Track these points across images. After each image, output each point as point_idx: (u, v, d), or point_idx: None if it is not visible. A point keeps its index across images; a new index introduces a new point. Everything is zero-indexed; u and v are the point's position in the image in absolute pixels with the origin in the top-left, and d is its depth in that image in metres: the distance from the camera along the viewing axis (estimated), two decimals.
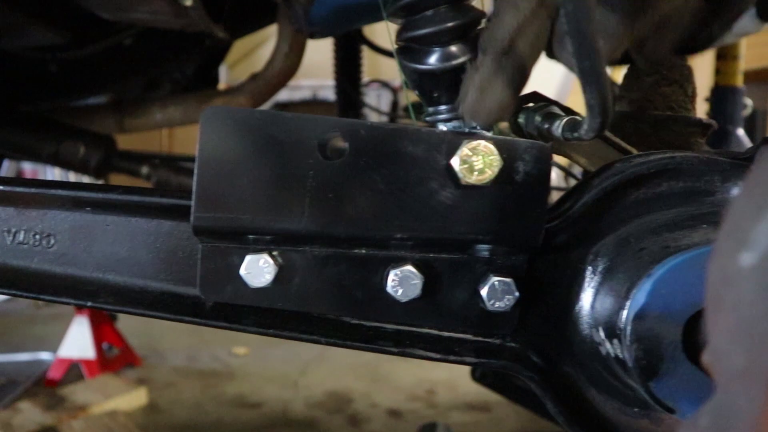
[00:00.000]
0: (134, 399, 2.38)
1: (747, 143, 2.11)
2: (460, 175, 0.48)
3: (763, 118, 4.19)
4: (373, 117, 2.73)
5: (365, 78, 2.22)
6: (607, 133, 0.67)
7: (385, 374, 2.60)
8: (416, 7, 0.49)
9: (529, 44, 0.47)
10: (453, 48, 0.49)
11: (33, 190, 0.57)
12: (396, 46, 0.52)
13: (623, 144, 0.67)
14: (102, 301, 0.57)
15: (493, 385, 1.84)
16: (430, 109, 0.53)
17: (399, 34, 0.51)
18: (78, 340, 2.66)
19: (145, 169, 1.65)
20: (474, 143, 0.48)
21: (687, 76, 0.78)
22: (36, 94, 1.74)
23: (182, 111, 1.66)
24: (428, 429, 1.92)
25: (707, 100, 2.14)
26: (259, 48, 4.32)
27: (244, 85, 1.59)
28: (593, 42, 0.37)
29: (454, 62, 0.49)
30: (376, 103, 3.10)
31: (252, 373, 2.67)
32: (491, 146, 0.48)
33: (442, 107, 0.52)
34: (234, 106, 1.62)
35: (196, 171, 0.50)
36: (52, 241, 0.58)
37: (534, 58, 0.49)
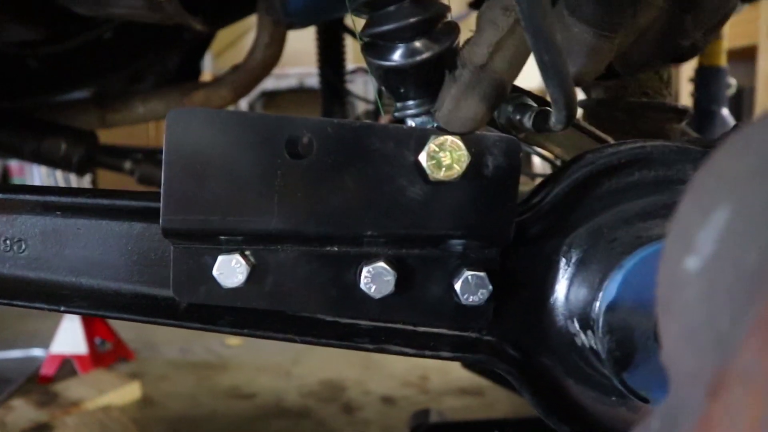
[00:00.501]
0: (128, 393, 2.38)
1: (731, 123, 2.12)
2: (428, 171, 0.48)
3: (749, 96, 4.20)
4: (360, 105, 2.72)
5: (351, 65, 2.21)
6: (581, 121, 0.67)
7: (377, 361, 2.61)
8: (379, 4, 0.48)
9: (507, 61, 0.48)
10: (417, 43, 0.49)
11: (1, 195, 0.57)
12: (361, 42, 0.52)
13: (597, 132, 0.67)
14: (76, 306, 0.57)
15: (484, 371, 1.85)
16: (398, 105, 0.53)
17: (363, 30, 0.51)
18: (70, 336, 2.65)
19: (128, 164, 1.65)
20: (441, 139, 0.48)
21: None
22: (16, 91, 1.72)
23: (165, 104, 1.64)
24: (421, 415, 1.93)
25: (691, 80, 2.14)
26: (243, 37, 4.29)
27: (226, 77, 1.58)
28: (551, 37, 0.37)
29: (419, 58, 0.48)
30: (364, 90, 3.08)
31: (245, 363, 2.68)
32: (458, 142, 0.48)
33: (410, 102, 0.52)
34: (216, 98, 1.61)
35: (163, 174, 0.50)
36: (24, 246, 0.58)
37: (513, 74, 0.50)
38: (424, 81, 0.50)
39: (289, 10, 1.08)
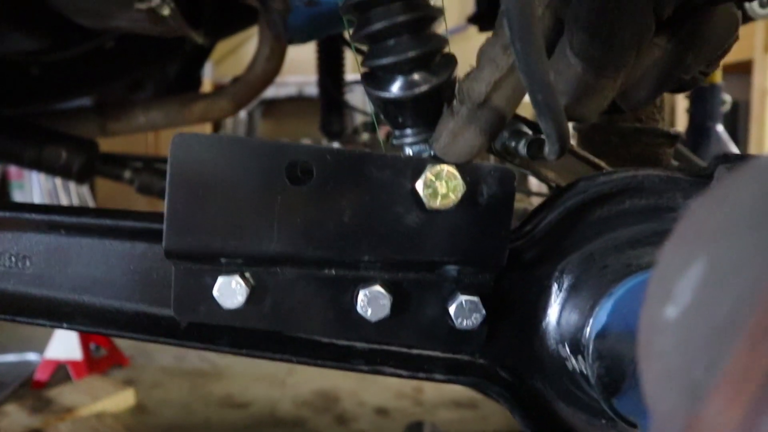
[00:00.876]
0: (122, 400, 2.38)
1: (726, 139, 2.14)
2: (424, 199, 0.49)
3: (745, 110, 4.23)
4: (358, 116, 2.74)
5: (350, 76, 2.22)
6: (575, 147, 0.68)
7: None
8: (378, 36, 0.50)
9: (505, 98, 0.50)
10: (416, 76, 0.50)
11: (7, 213, 0.58)
12: (361, 72, 0.53)
13: (591, 158, 0.69)
14: (77, 323, 0.58)
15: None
16: (396, 133, 0.55)
17: (363, 62, 0.52)
18: (65, 341, 2.65)
19: (127, 173, 1.66)
20: (437, 168, 0.49)
21: None
22: (17, 98, 1.73)
23: (165, 114, 1.66)
24: (415, 427, 1.94)
25: (687, 96, 2.16)
26: (244, 44, 4.31)
27: (226, 88, 1.59)
28: (545, 78, 0.39)
29: (417, 90, 0.50)
30: (362, 101, 3.09)
31: (240, 372, 2.68)
32: (454, 171, 0.49)
33: (408, 131, 0.53)
34: (216, 109, 1.62)
35: (167, 196, 0.51)
36: (28, 263, 0.59)
37: (510, 110, 0.52)
38: (422, 112, 0.52)
39: (289, 26, 1.10)
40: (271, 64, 1.48)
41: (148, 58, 1.79)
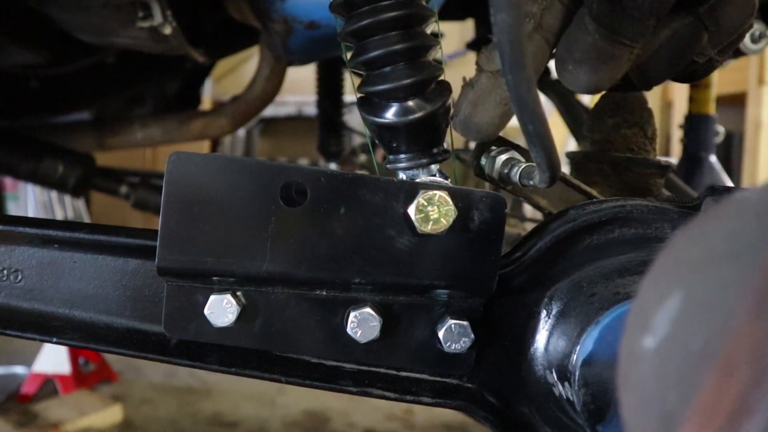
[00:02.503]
0: (109, 416, 2.36)
1: (719, 169, 2.17)
2: (416, 224, 0.50)
3: (739, 141, 4.28)
4: (356, 137, 2.76)
5: (350, 98, 2.24)
6: (567, 175, 0.69)
7: None
8: (375, 64, 0.51)
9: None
10: (410, 103, 0.51)
11: (1, 227, 0.58)
12: (357, 96, 0.54)
13: (583, 186, 0.70)
14: (67, 337, 0.58)
15: None
16: (391, 157, 0.55)
17: (359, 87, 0.53)
18: (53, 355, 2.63)
19: (123, 189, 1.66)
20: (429, 194, 0.50)
21: (647, 118, 0.81)
22: (16, 111, 1.74)
23: (163, 131, 1.67)
24: None
25: (681, 127, 2.19)
26: (245, 62, 4.34)
27: (225, 106, 1.60)
28: (536, 108, 0.40)
29: (411, 117, 0.51)
30: (361, 123, 3.11)
31: (229, 390, 2.66)
32: (446, 197, 0.50)
33: (402, 156, 0.54)
34: (214, 127, 1.63)
35: (161, 214, 0.51)
36: (20, 277, 0.59)
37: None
38: (416, 137, 0.53)
39: (289, 48, 1.11)
40: (270, 84, 1.49)
41: (148, 74, 1.80)
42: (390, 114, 0.52)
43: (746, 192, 0.26)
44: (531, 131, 0.41)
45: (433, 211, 0.50)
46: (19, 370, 2.83)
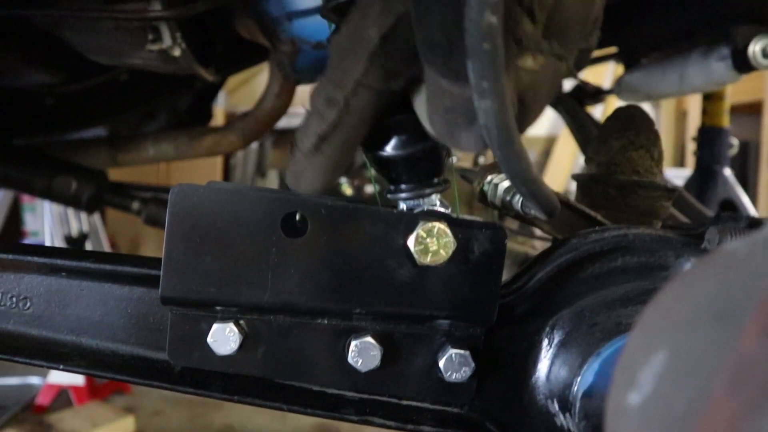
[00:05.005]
0: (121, 427, 2.38)
1: (733, 182, 2.14)
2: (415, 256, 0.50)
3: (755, 150, 4.24)
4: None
5: None
6: (571, 201, 0.69)
7: None
8: None
9: (338, 147, 0.51)
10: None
11: (11, 256, 0.59)
12: None
13: (587, 211, 0.69)
14: (74, 364, 0.59)
15: None
16: (391, 187, 0.56)
17: None
18: None
19: (135, 205, 1.68)
20: (429, 225, 0.50)
21: (654, 140, 0.81)
22: (31, 128, 1.77)
23: (174, 147, 1.69)
24: None
25: (694, 139, 2.17)
26: (258, 75, 4.37)
27: (235, 123, 1.62)
28: (529, 174, 0.40)
29: (409, 150, 0.51)
30: None
31: None
32: (446, 229, 0.50)
33: (402, 186, 0.55)
34: (225, 143, 1.65)
35: (164, 245, 0.52)
36: (29, 304, 0.60)
37: (348, 154, 0.52)
38: (415, 170, 0.53)
39: (297, 67, 1.12)
40: (280, 101, 1.51)
41: (160, 91, 1.82)
42: (389, 147, 0.52)
43: (735, 245, 0.26)
44: (525, 193, 0.42)
45: (432, 242, 0.50)
46: (34, 380, 2.86)
